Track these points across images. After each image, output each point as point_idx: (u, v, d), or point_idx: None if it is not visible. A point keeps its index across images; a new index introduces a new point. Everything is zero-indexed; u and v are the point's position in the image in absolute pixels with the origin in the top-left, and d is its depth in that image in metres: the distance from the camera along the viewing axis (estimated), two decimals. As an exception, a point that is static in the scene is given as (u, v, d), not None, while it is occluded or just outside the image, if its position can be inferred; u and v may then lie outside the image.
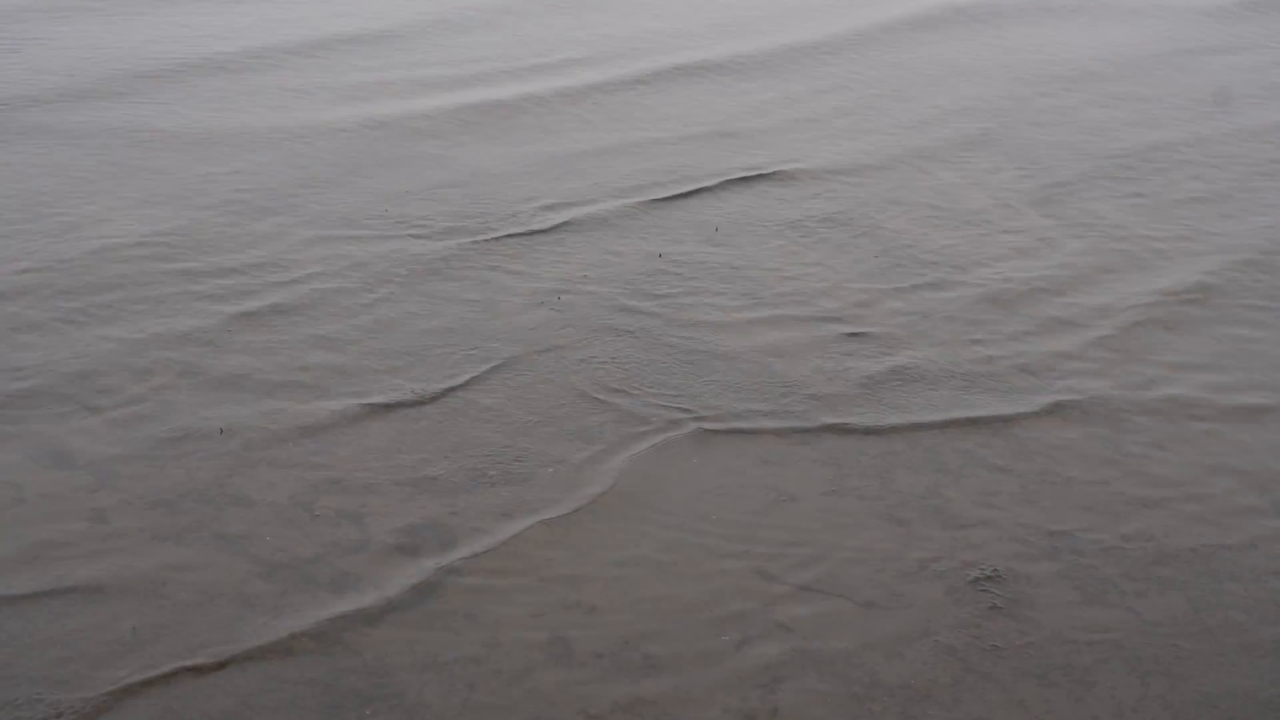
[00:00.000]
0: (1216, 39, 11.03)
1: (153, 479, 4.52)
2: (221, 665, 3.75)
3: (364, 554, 4.21)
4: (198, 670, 3.72)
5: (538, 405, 5.08)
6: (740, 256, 6.47)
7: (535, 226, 6.64)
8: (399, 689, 3.70)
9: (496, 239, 6.48)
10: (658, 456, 4.79)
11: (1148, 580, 4.28)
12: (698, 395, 5.20)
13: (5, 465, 4.57)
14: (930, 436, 5.00)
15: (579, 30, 10.34)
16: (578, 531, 4.39)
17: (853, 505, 4.59)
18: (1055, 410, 5.21)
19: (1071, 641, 3.99)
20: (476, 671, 3.78)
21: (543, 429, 4.93)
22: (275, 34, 9.70)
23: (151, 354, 5.26)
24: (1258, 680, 3.88)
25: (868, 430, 5.02)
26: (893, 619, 4.05)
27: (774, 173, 7.56)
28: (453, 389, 5.14)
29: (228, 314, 5.60)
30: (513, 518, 4.42)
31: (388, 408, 4.99)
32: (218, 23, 9.96)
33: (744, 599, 4.11)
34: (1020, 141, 8.31)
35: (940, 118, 8.73)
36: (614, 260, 6.34)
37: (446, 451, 4.75)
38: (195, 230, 6.43)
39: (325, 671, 3.75)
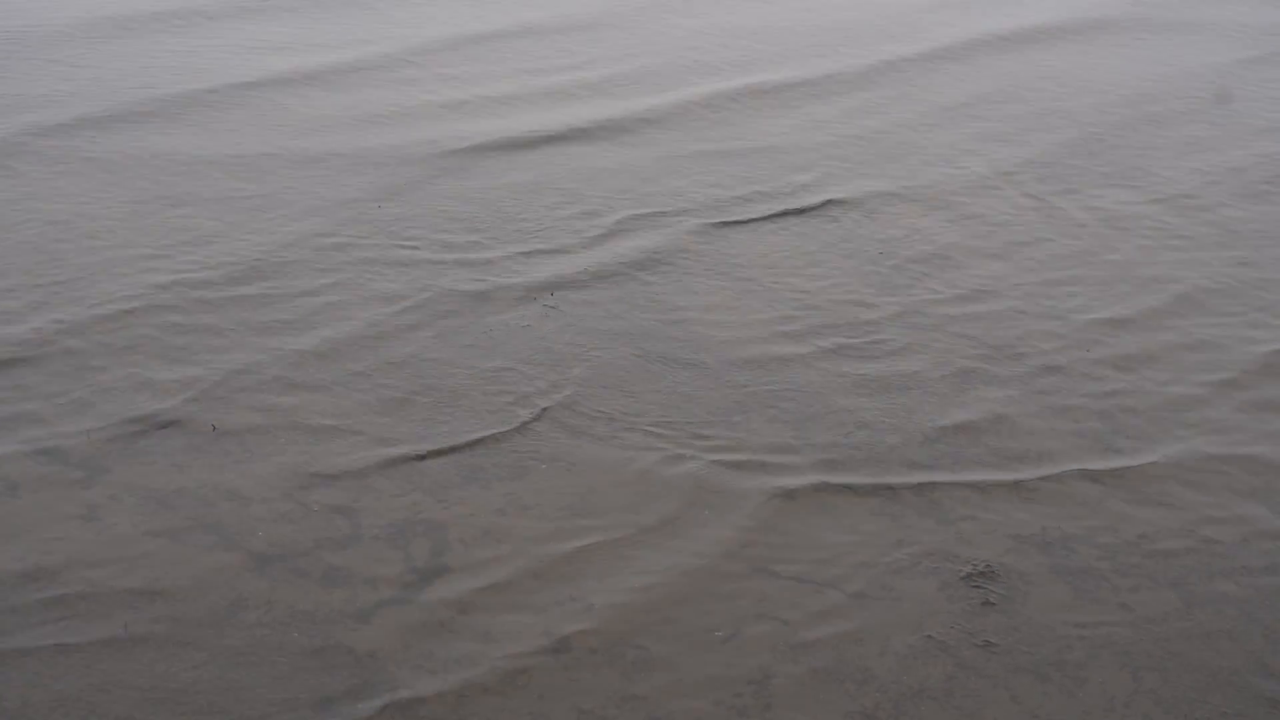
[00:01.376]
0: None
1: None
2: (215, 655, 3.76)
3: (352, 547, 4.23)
4: (191, 664, 3.74)
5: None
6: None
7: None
8: (392, 683, 3.71)
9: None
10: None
11: (1140, 576, 4.28)
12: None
13: None
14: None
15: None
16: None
17: (845, 499, 4.61)
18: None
19: (1064, 637, 4.00)
20: (470, 666, 3.78)
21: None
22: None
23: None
24: (1249, 675, 3.88)
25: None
26: (886, 614, 4.05)
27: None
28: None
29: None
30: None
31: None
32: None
33: (739, 594, 4.12)
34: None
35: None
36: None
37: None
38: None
39: (317, 665, 3.75)
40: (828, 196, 7.20)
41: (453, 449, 4.76)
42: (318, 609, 3.96)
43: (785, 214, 6.97)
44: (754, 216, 6.92)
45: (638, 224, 6.75)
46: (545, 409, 5.01)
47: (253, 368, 5.21)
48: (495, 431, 4.87)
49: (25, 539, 4.21)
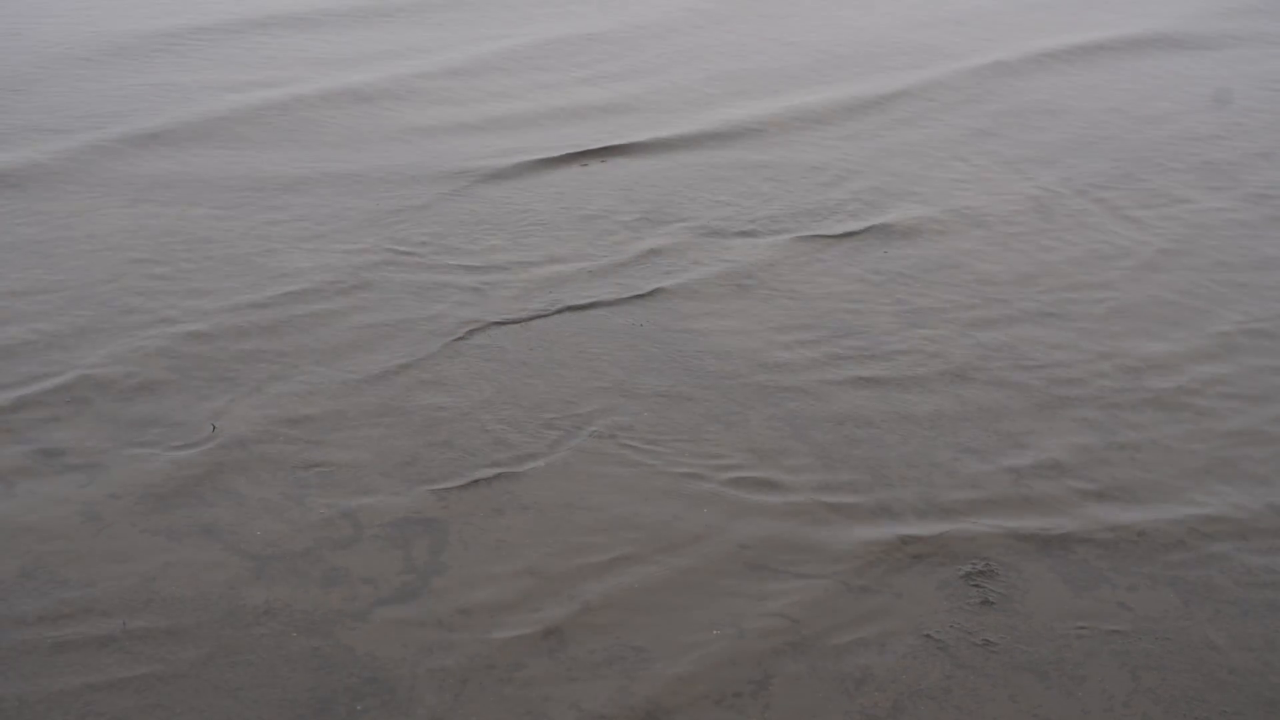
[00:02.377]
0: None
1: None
2: (212, 657, 3.76)
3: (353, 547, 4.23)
4: (188, 662, 3.74)
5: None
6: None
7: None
8: (391, 684, 3.71)
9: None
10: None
11: (1139, 575, 4.28)
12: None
13: None
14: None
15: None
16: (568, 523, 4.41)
17: (843, 497, 4.61)
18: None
19: (1062, 636, 3.99)
20: (469, 666, 3.78)
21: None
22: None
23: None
24: (1248, 674, 3.88)
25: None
26: (885, 613, 4.05)
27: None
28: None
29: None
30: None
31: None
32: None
33: (736, 592, 4.12)
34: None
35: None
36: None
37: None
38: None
39: (316, 666, 3.75)
40: (875, 220, 7.00)
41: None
42: (316, 608, 3.97)
43: (835, 236, 6.81)
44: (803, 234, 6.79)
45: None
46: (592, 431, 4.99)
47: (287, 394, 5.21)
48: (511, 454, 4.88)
49: (24, 538, 4.22)
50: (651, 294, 6.01)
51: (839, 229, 6.86)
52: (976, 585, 4.18)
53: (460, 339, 5.53)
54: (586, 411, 5.02)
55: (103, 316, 5.63)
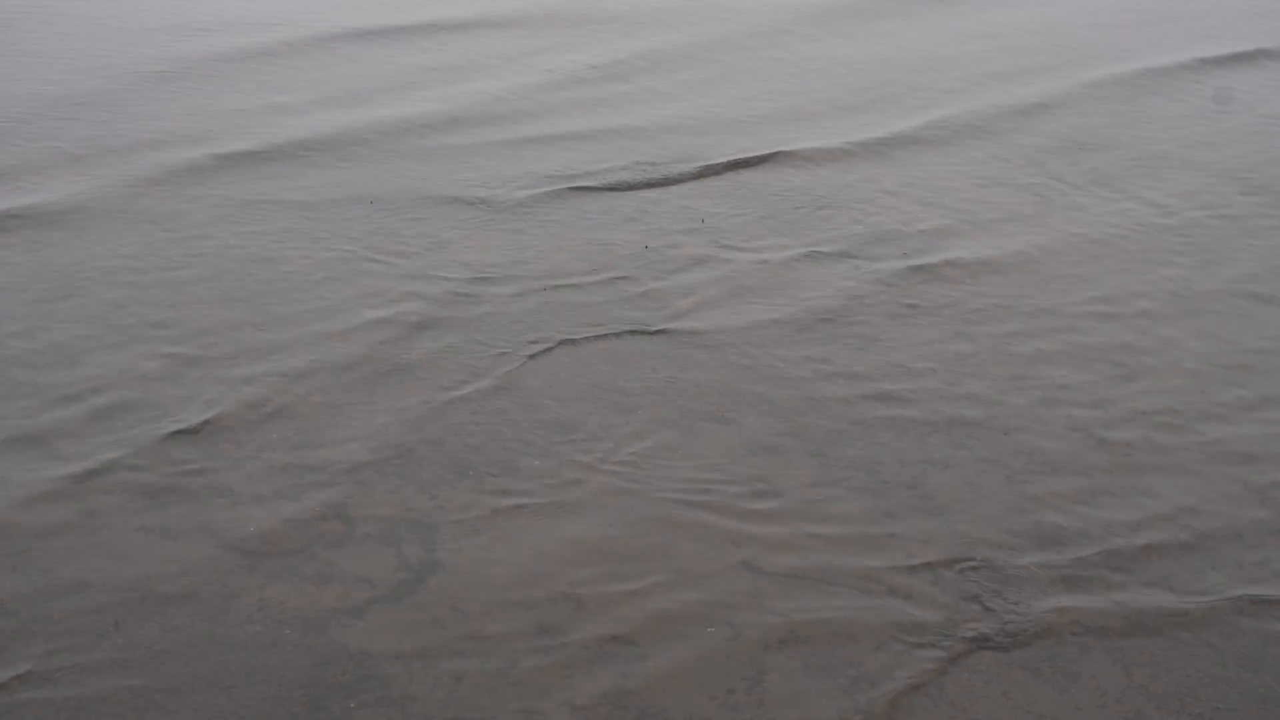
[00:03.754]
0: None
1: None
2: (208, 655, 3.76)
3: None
4: (183, 660, 3.73)
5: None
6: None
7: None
8: (384, 681, 3.70)
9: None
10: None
11: (1131, 571, 4.29)
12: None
13: None
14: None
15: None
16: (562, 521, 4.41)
17: (840, 493, 4.61)
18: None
19: (1056, 633, 4.00)
20: (462, 663, 3.78)
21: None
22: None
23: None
24: (1240, 670, 3.89)
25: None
26: (877, 609, 4.05)
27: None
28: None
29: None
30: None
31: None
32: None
33: (730, 589, 4.12)
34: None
35: None
36: None
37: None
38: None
39: (309, 663, 3.74)
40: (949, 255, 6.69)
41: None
42: (310, 606, 3.96)
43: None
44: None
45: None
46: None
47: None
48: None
49: (20, 536, 4.21)
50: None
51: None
52: (971, 582, 4.19)
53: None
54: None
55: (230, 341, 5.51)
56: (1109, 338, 5.80)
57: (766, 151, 7.96)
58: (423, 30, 10.45)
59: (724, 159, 7.82)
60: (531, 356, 5.40)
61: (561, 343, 5.53)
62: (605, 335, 5.63)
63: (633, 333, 5.66)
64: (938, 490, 4.64)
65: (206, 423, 4.81)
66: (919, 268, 6.40)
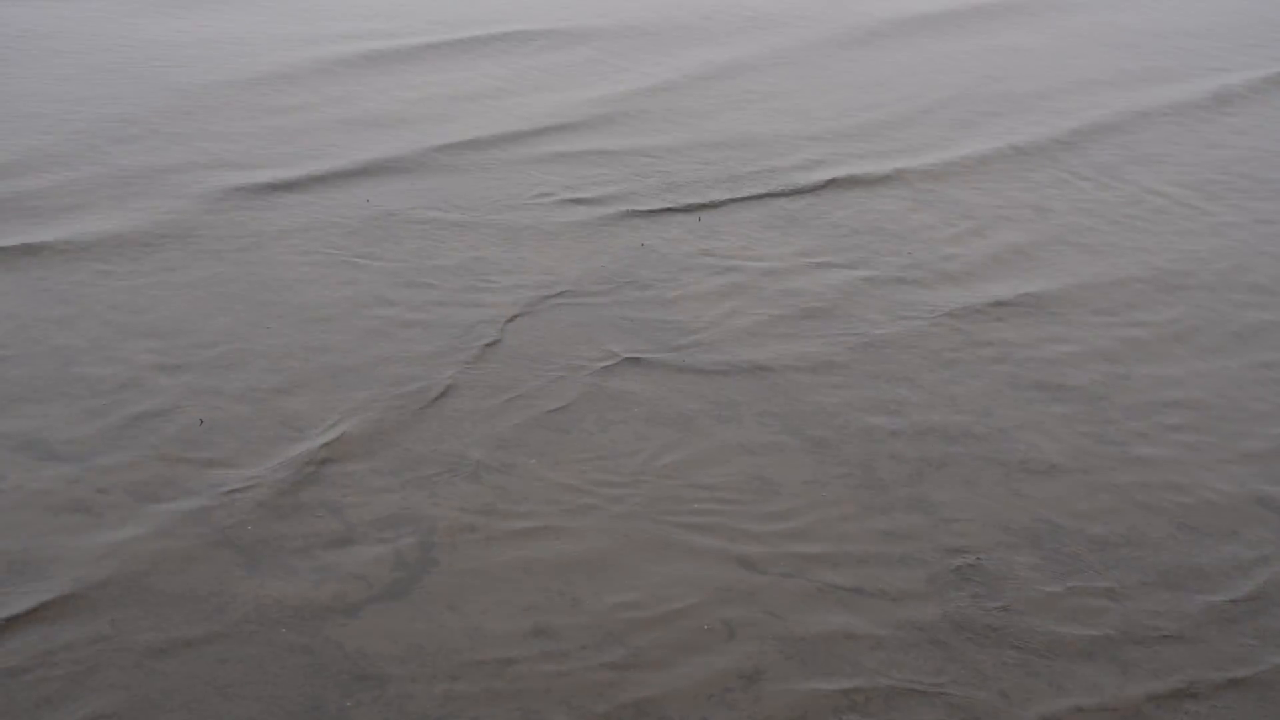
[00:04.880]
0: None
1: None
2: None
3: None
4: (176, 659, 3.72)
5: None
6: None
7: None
8: (381, 679, 3.69)
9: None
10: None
11: (1128, 567, 4.29)
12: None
13: None
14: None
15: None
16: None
17: (836, 493, 4.61)
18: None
19: (1052, 630, 4.00)
20: (459, 662, 3.77)
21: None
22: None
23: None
24: (1237, 665, 3.90)
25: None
26: (875, 608, 4.05)
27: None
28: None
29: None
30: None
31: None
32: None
33: (727, 587, 4.12)
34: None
35: None
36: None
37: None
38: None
39: (307, 662, 3.73)
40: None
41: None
42: (305, 604, 3.95)
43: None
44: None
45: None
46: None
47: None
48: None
49: (13, 533, 4.19)
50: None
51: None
52: (967, 579, 4.19)
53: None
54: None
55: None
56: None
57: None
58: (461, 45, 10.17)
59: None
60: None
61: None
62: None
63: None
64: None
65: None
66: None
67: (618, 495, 4.53)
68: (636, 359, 5.41)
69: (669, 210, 7.00)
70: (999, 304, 6.10)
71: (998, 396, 5.28)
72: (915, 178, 7.71)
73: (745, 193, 7.32)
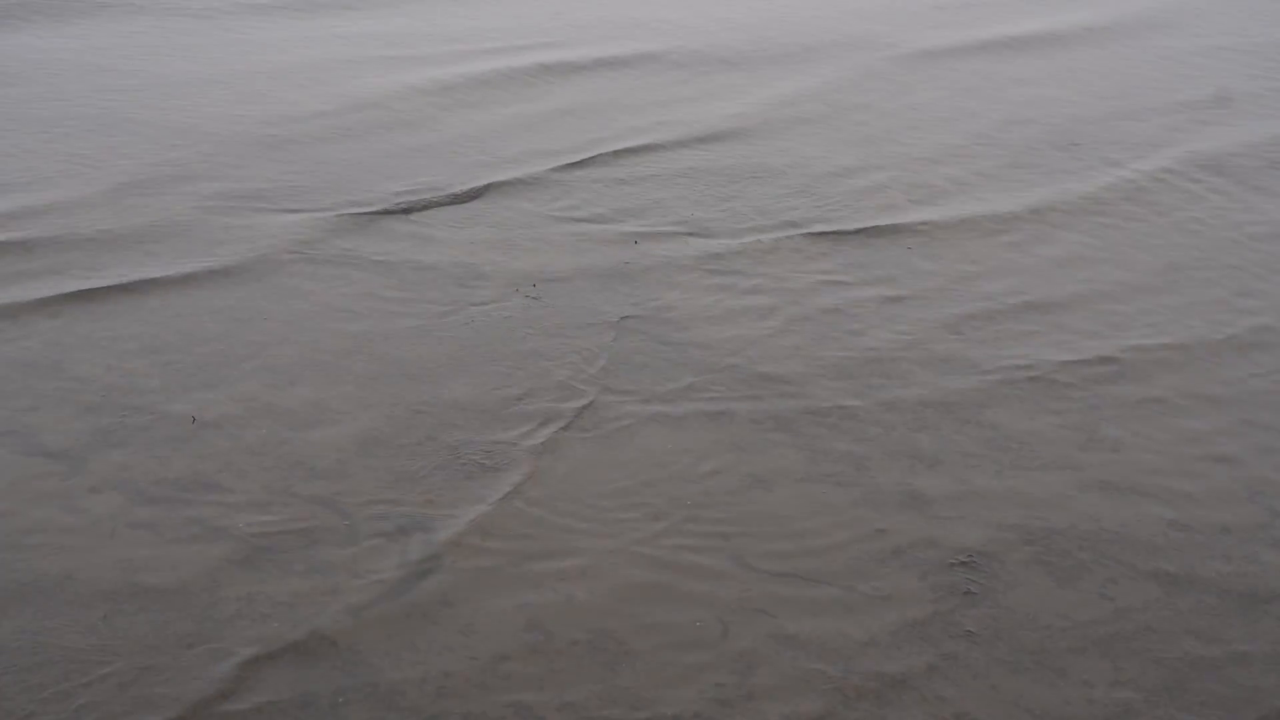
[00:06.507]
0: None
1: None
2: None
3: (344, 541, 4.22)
4: (170, 657, 3.73)
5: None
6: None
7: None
8: (373, 676, 3.70)
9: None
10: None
11: (1121, 565, 4.30)
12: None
13: None
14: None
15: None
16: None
17: (828, 491, 4.62)
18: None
19: (1045, 627, 4.01)
20: (451, 659, 3.77)
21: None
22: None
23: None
24: (1230, 665, 3.90)
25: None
26: (868, 605, 4.06)
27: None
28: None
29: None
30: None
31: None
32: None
33: (722, 585, 4.12)
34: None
35: None
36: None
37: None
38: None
39: (298, 659, 3.74)
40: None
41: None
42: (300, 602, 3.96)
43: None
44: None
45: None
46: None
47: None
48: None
49: (3, 527, 4.20)
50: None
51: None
52: (960, 576, 4.19)
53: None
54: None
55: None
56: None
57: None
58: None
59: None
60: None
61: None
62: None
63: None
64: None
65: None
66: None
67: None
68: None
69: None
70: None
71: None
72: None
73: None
